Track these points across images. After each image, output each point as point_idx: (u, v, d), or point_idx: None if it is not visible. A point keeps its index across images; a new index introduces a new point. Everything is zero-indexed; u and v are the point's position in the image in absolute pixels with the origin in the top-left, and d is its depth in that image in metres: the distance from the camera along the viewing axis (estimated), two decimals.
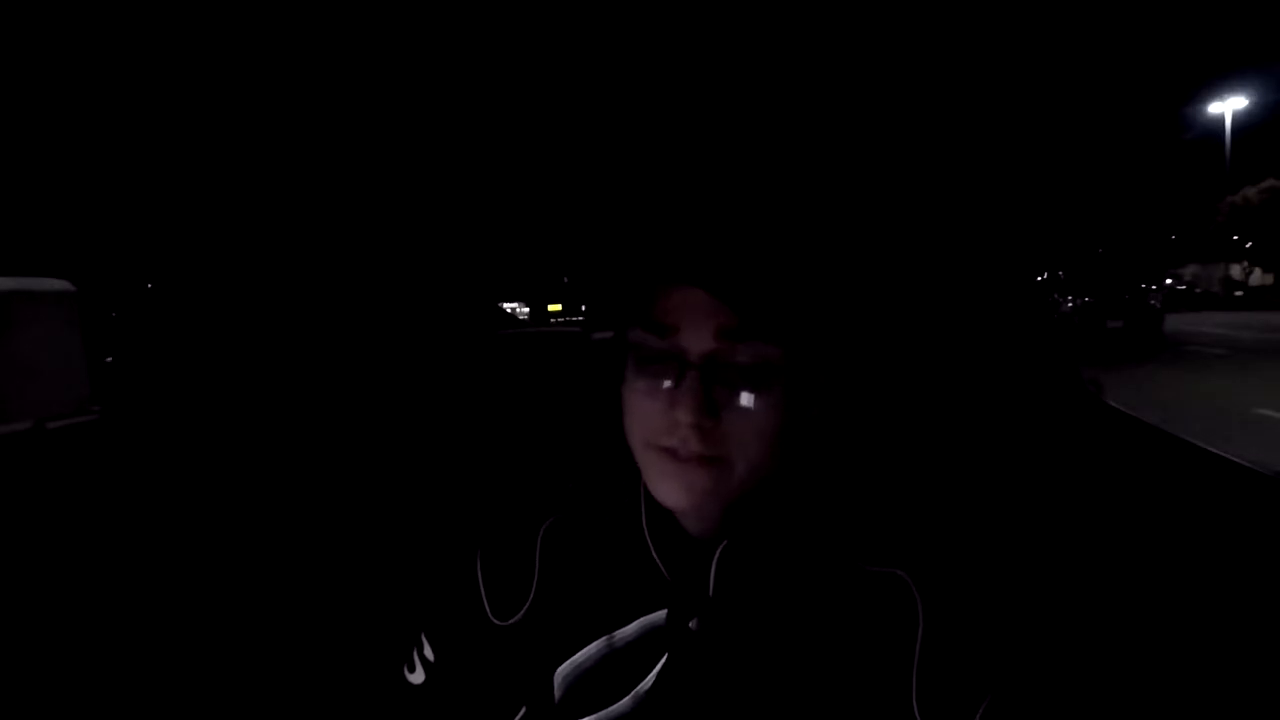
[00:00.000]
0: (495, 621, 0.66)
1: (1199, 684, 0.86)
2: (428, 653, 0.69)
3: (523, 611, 0.66)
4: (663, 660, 0.60)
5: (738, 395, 0.55)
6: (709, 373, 0.55)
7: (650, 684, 0.60)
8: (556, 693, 0.63)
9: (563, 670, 0.63)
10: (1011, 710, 0.54)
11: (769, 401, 0.55)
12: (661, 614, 0.61)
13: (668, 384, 0.56)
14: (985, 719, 0.54)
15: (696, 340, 0.55)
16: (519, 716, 0.66)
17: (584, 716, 0.61)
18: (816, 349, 0.58)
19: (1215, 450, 1.14)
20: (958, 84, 1.06)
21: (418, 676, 0.69)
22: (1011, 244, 1.30)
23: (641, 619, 0.61)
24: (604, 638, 0.62)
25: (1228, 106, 38.46)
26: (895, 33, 0.94)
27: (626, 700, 0.60)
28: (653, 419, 0.56)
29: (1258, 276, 37.02)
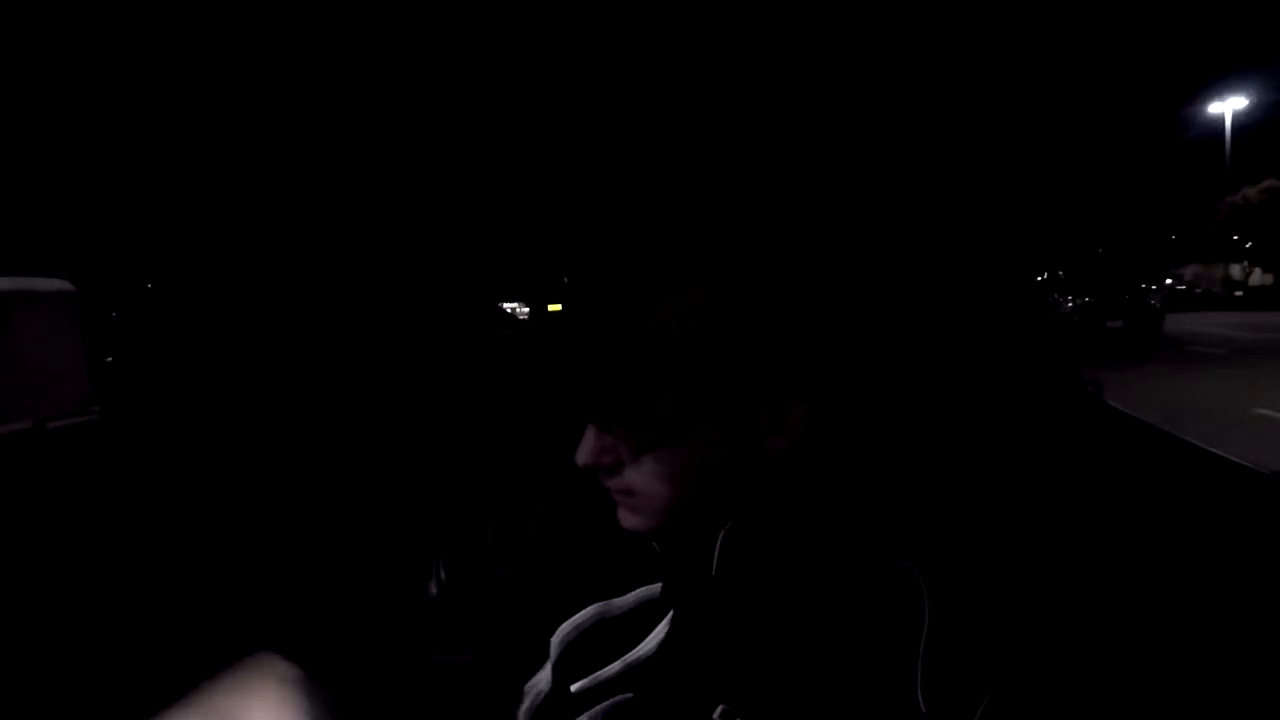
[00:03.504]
0: (495, 572, 0.70)
1: (1199, 683, 0.86)
2: (442, 574, 0.73)
3: (519, 563, 0.69)
4: (655, 632, 0.60)
5: (632, 450, 0.56)
6: (610, 420, 0.56)
7: (640, 653, 0.61)
8: (553, 652, 0.65)
9: (561, 630, 0.64)
10: (1016, 705, 0.54)
11: (670, 454, 0.55)
12: (656, 587, 0.62)
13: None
14: (989, 712, 0.54)
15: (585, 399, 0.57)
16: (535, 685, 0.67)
17: (577, 679, 0.62)
18: (733, 402, 0.55)
19: (1215, 450, 1.14)
20: (959, 83, 1.06)
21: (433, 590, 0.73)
22: (1011, 244, 1.30)
23: (639, 590, 0.63)
24: (600, 603, 0.63)
25: (1228, 106, 38.42)
26: (894, 37, 0.94)
27: (615, 665, 0.61)
28: None
29: (1258, 276, 36.98)
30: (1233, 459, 1.11)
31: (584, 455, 0.56)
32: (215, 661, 1.24)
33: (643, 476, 0.55)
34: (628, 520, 0.58)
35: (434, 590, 0.74)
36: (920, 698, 0.55)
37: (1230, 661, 0.88)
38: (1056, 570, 0.63)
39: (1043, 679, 0.56)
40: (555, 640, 0.64)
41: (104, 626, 1.25)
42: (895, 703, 0.55)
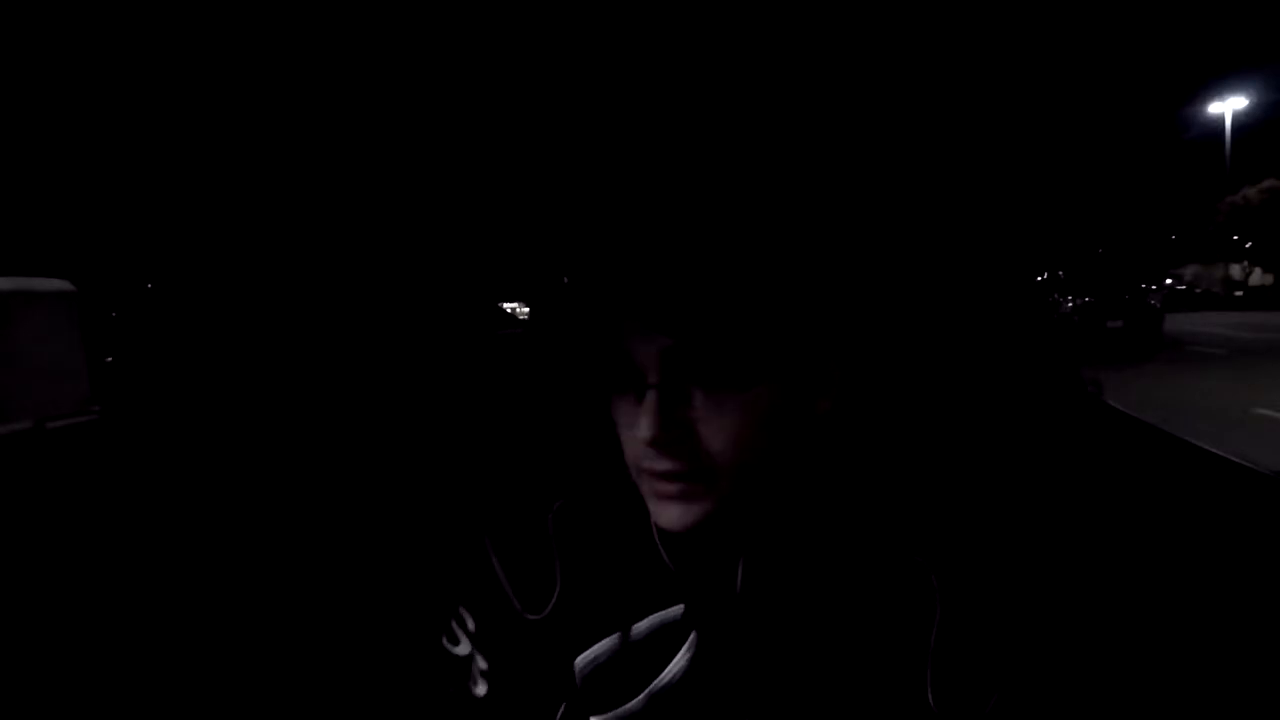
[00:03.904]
0: (527, 616, 0.65)
1: (1199, 682, 0.86)
2: (470, 625, 0.67)
3: (552, 604, 0.64)
4: (679, 657, 0.59)
5: (705, 406, 0.53)
6: (671, 387, 0.53)
7: (665, 683, 0.59)
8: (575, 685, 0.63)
9: (579, 662, 0.62)
10: (1023, 704, 0.54)
11: (743, 405, 0.54)
12: (675, 610, 0.60)
13: (635, 409, 0.54)
14: (997, 710, 0.54)
15: (650, 362, 0.54)
16: (560, 714, 0.64)
17: (597, 713, 0.60)
18: (797, 350, 0.56)
19: (1215, 450, 1.15)
20: (958, 83, 1.06)
21: (463, 649, 0.66)
22: (1011, 244, 1.30)
23: (655, 615, 0.60)
24: (617, 633, 0.61)
25: (1228, 106, 38.43)
26: (894, 35, 0.94)
27: (640, 698, 0.59)
28: (633, 443, 0.55)
29: (1258, 276, 36.97)
30: (1233, 459, 1.11)
31: (650, 427, 0.52)
32: (215, 661, 1.24)
33: (715, 438, 0.53)
34: (678, 512, 0.54)
35: (466, 649, 0.66)
36: (930, 695, 0.55)
37: (1232, 659, 0.88)
38: (1063, 569, 0.63)
39: (1050, 678, 0.56)
40: (575, 672, 0.62)
41: (104, 626, 1.25)
42: (906, 700, 0.55)
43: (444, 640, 0.68)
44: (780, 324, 0.55)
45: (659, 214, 0.59)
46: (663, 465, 0.54)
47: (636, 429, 0.53)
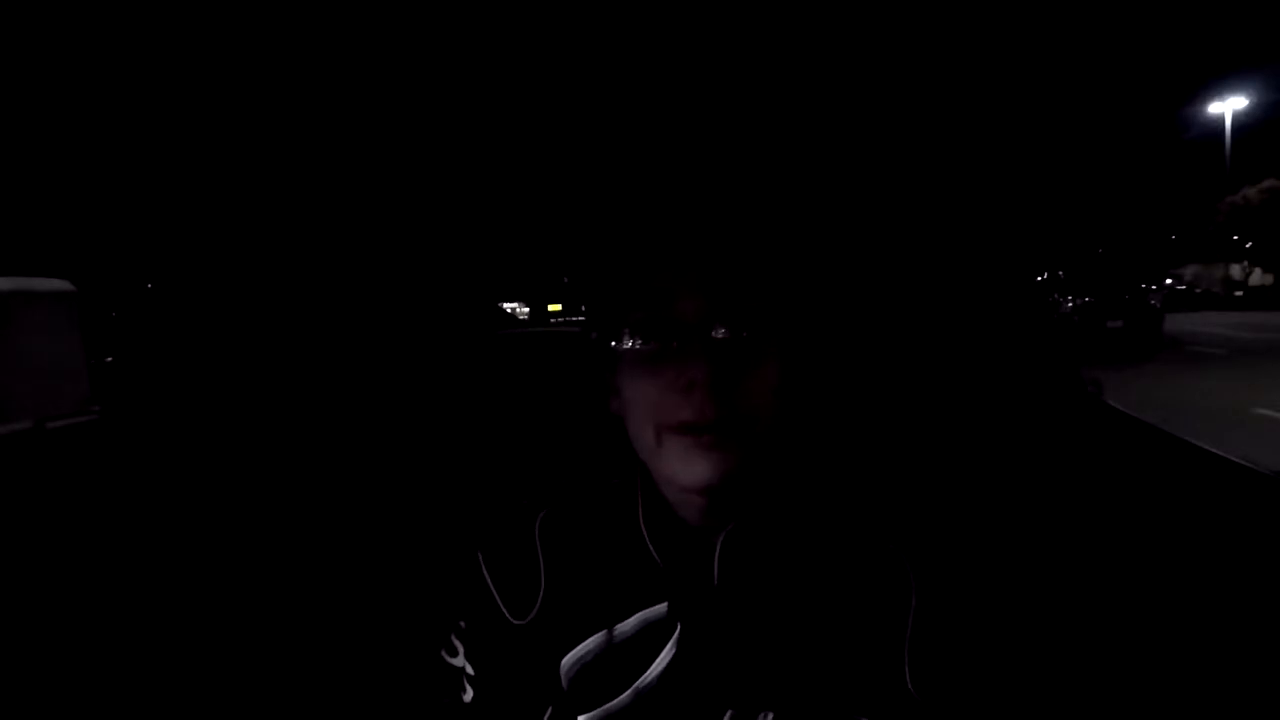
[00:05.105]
0: (513, 621, 0.66)
1: (1197, 681, 0.86)
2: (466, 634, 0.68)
3: (536, 608, 0.65)
4: (664, 653, 0.60)
5: (743, 355, 0.56)
6: (714, 337, 0.56)
7: (651, 679, 0.60)
8: (562, 685, 0.63)
9: (565, 663, 0.63)
10: (1000, 689, 0.55)
11: (775, 362, 0.58)
12: (660, 608, 0.61)
13: (673, 357, 0.56)
14: (974, 695, 0.55)
15: (693, 308, 0.56)
16: (546, 716, 0.65)
17: (584, 712, 0.61)
18: (811, 314, 0.61)
19: (1215, 450, 1.15)
20: (959, 82, 1.06)
21: (460, 659, 0.68)
22: (1011, 243, 1.30)
23: (640, 613, 0.61)
24: (603, 631, 0.62)
25: (1228, 106, 38.46)
26: (896, 30, 0.94)
27: (627, 695, 0.60)
28: (665, 397, 0.56)
29: (1258, 276, 36.99)
30: (1233, 459, 1.11)
31: (699, 372, 0.54)
32: (214, 663, 1.24)
33: (750, 390, 0.56)
34: (706, 465, 0.56)
35: (463, 661, 0.68)
36: (909, 681, 0.56)
37: (1228, 659, 0.88)
38: (1047, 567, 0.64)
39: (1026, 664, 0.57)
40: (561, 673, 0.63)
41: (104, 626, 1.25)
42: (886, 686, 0.56)
43: (443, 652, 0.69)
44: (806, 291, 0.60)
45: (714, 173, 0.65)
46: (704, 413, 0.55)
47: (685, 376, 0.55)
